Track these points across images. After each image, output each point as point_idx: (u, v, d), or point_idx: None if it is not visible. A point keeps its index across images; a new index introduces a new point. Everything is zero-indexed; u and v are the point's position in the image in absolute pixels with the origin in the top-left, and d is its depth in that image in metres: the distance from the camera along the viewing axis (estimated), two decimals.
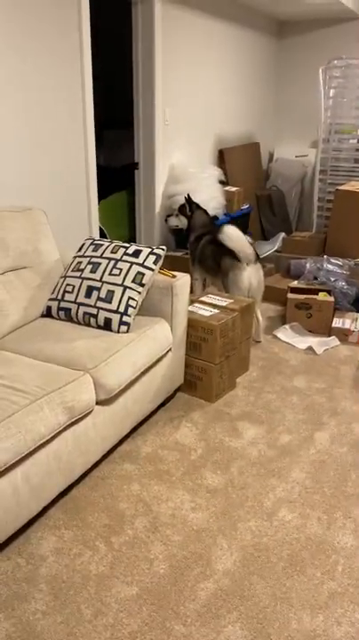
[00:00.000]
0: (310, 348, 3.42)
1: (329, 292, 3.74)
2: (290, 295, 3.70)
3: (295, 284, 3.94)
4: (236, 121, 5.34)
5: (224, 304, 2.90)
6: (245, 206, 5.00)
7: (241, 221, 4.96)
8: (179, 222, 3.93)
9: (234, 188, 4.78)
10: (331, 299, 3.62)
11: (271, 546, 1.93)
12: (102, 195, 4.47)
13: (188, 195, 3.84)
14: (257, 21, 5.28)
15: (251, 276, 3.16)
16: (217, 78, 4.83)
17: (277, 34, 5.78)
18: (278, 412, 2.74)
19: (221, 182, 4.66)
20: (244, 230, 5.06)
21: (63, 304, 2.53)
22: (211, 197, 4.30)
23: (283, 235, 4.99)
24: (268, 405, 2.80)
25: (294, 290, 3.83)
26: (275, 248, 4.73)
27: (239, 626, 1.64)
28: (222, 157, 5.08)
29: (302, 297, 3.65)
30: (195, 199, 4.19)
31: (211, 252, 3.40)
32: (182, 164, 4.38)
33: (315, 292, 3.78)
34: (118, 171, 4.90)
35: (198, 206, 3.80)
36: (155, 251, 2.53)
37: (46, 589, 1.74)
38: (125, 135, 4.92)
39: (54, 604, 1.69)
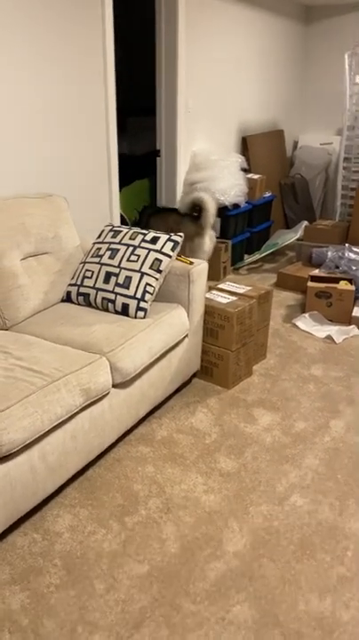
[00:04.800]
0: (329, 337, 3.41)
1: (350, 281, 3.72)
2: (310, 284, 3.69)
3: (316, 272, 3.91)
4: (261, 108, 5.30)
5: (242, 291, 2.90)
6: (268, 194, 4.97)
7: (263, 209, 4.95)
8: None
9: (256, 176, 4.75)
10: (352, 287, 3.59)
11: (282, 530, 1.95)
12: (125, 182, 4.50)
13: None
14: (283, 6, 5.21)
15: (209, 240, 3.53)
16: (241, 65, 4.79)
17: (304, 19, 5.69)
18: (294, 400, 2.75)
19: (244, 170, 4.64)
20: (266, 218, 5.05)
21: (82, 289, 2.57)
22: (232, 185, 4.29)
23: (305, 223, 4.95)
24: (284, 393, 2.81)
25: (315, 278, 3.81)
26: (297, 236, 4.70)
27: (247, 605, 1.67)
28: (246, 145, 5.05)
29: (322, 285, 3.63)
30: (216, 187, 4.20)
31: (161, 219, 3.67)
32: (204, 152, 4.37)
33: (336, 280, 3.76)
34: (141, 158, 4.92)
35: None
36: (173, 237, 2.55)
37: (60, 564, 1.80)
38: (149, 123, 4.93)
39: (68, 578, 1.75)
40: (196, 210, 3.45)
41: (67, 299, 2.64)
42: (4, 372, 1.97)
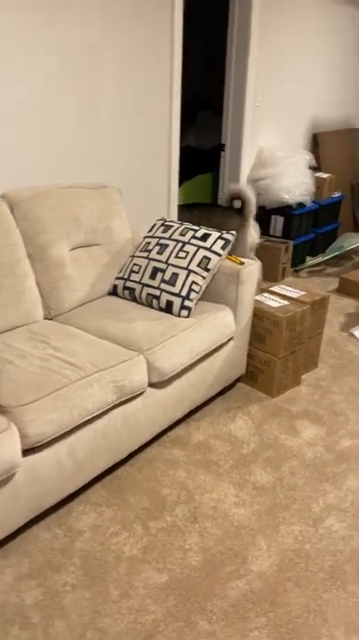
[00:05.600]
0: None
1: None
2: None
3: None
4: (336, 105, 5.06)
5: (295, 296, 2.77)
6: (337, 194, 4.76)
7: (331, 210, 4.74)
8: None
9: (325, 175, 4.55)
10: None
11: (313, 554, 1.83)
12: (189, 175, 4.42)
13: None
14: None
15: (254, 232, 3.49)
16: (317, 59, 4.59)
17: None
18: (342, 415, 2.59)
19: (312, 168, 4.45)
20: (334, 219, 4.83)
21: (129, 284, 2.53)
22: (298, 183, 4.12)
23: None
24: (333, 406, 2.66)
25: None
26: None
27: (266, 632, 1.57)
28: (316, 142, 4.84)
29: None
30: (281, 184, 4.05)
31: (206, 213, 3.59)
32: (271, 148, 4.22)
33: None
34: (207, 152, 4.83)
35: None
36: (224, 235, 2.46)
37: (79, 563, 1.76)
38: (218, 116, 4.83)
39: (84, 579, 1.71)
40: (234, 201, 3.46)
41: (114, 292, 2.61)
42: (40, 362, 1.96)
